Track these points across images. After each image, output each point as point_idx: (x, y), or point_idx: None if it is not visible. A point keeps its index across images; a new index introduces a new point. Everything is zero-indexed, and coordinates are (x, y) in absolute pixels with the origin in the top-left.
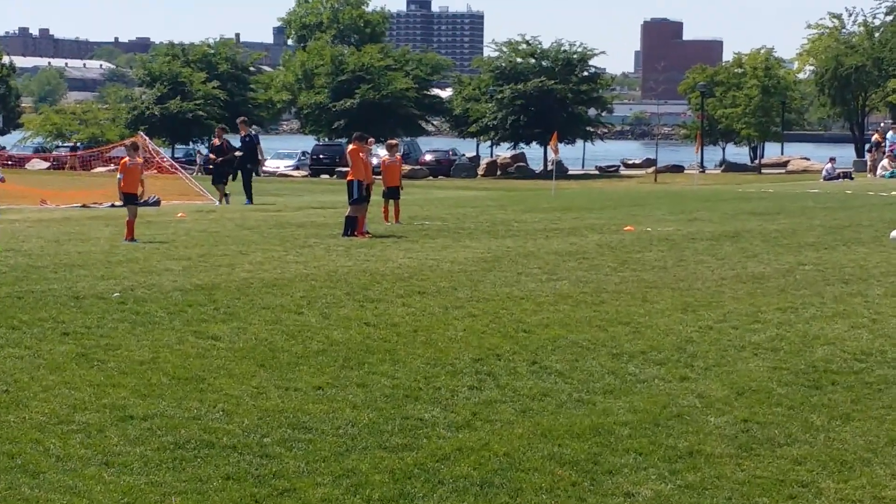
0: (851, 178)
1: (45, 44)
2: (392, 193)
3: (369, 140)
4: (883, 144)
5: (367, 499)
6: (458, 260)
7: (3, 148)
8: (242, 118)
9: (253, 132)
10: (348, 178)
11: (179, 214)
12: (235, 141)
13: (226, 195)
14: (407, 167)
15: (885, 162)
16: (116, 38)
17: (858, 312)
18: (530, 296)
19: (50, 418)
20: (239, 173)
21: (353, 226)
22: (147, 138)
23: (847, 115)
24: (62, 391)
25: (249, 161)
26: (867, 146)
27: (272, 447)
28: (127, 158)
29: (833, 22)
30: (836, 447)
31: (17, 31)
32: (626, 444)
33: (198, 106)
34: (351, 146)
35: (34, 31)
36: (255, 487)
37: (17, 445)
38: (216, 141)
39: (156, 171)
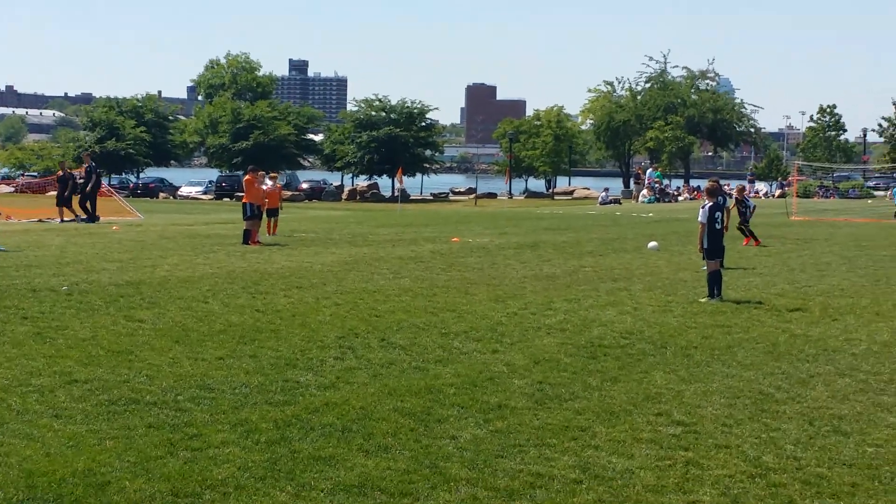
0: (620, 203)
1: (10, 96)
2: (272, 213)
3: (260, 172)
4: (643, 178)
5: (257, 441)
6: (326, 262)
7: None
8: (87, 152)
9: (93, 164)
10: (243, 200)
11: (114, 227)
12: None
13: (71, 215)
14: (289, 192)
15: (644, 191)
16: (66, 93)
17: (624, 302)
18: (380, 289)
19: (12, 382)
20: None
21: (248, 236)
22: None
23: (617, 156)
24: (22, 361)
25: (90, 186)
26: (631, 179)
27: (184, 403)
28: None
29: (607, 87)
30: (607, 401)
31: None
32: (452, 400)
33: (129, 146)
34: (246, 176)
35: (1, 87)
36: (170, 434)
37: None
38: (59, 172)
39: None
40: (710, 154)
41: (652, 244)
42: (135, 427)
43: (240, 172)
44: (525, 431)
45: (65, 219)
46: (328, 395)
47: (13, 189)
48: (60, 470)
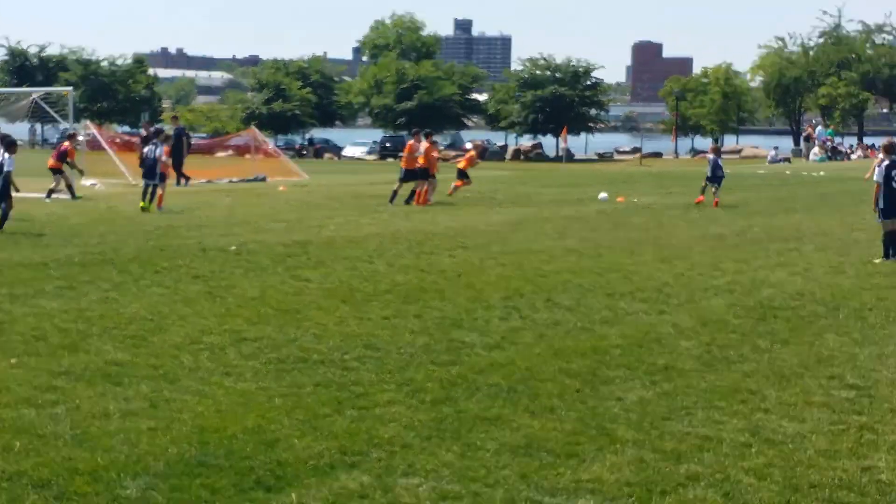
0: (790, 162)
1: (180, 59)
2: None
3: (418, 134)
4: (814, 136)
5: (422, 401)
6: (491, 222)
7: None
8: (173, 114)
9: (182, 125)
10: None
11: (281, 188)
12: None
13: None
14: (452, 153)
15: (815, 149)
16: (234, 55)
17: (794, 263)
18: (545, 250)
19: (184, 339)
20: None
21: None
22: (257, 131)
23: (787, 114)
24: (193, 319)
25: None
26: (801, 137)
27: (350, 362)
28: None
29: (778, 43)
30: (777, 364)
31: (159, 50)
32: (618, 361)
33: (295, 107)
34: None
35: (172, 50)
36: (337, 392)
37: (159, 359)
38: (143, 133)
39: (263, 155)
40: (885, 111)
41: (602, 195)
42: (303, 385)
43: (404, 133)
44: (693, 394)
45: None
46: (494, 356)
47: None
48: (231, 427)
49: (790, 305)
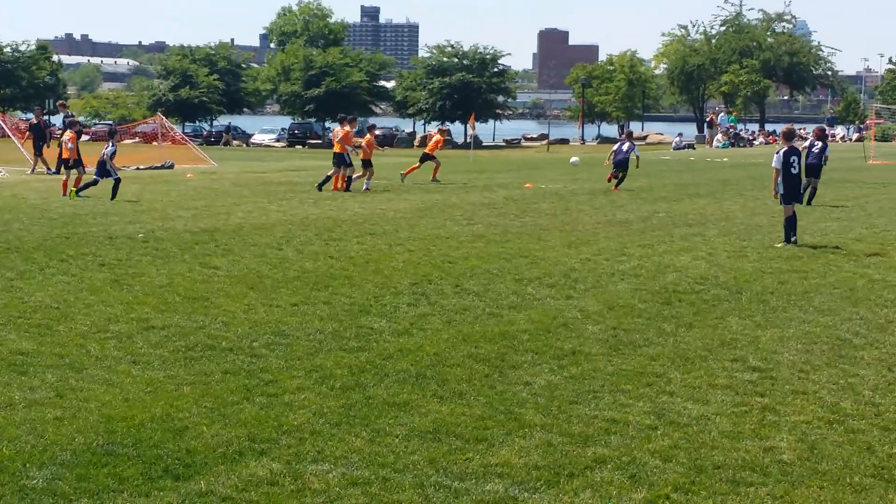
0: (694, 149)
1: (85, 45)
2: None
3: (354, 121)
4: (717, 123)
5: (332, 387)
6: (399, 209)
7: (54, 125)
8: (60, 101)
9: (70, 113)
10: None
11: (189, 175)
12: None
13: (45, 163)
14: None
15: (718, 136)
16: (140, 42)
17: (698, 248)
18: (454, 236)
19: (90, 328)
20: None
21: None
22: (164, 118)
23: (691, 101)
24: (100, 308)
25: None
26: (705, 124)
27: (259, 349)
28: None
29: (681, 31)
30: (681, 347)
31: (63, 36)
32: (526, 346)
33: (202, 93)
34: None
35: (77, 36)
36: (246, 379)
37: (65, 348)
38: (34, 120)
39: (170, 142)
40: (785, 98)
41: (574, 159)
42: (211, 373)
43: (312, 120)
44: (599, 377)
45: (51, 169)
46: (402, 342)
47: (89, 137)
48: (139, 415)
49: (694, 289)
